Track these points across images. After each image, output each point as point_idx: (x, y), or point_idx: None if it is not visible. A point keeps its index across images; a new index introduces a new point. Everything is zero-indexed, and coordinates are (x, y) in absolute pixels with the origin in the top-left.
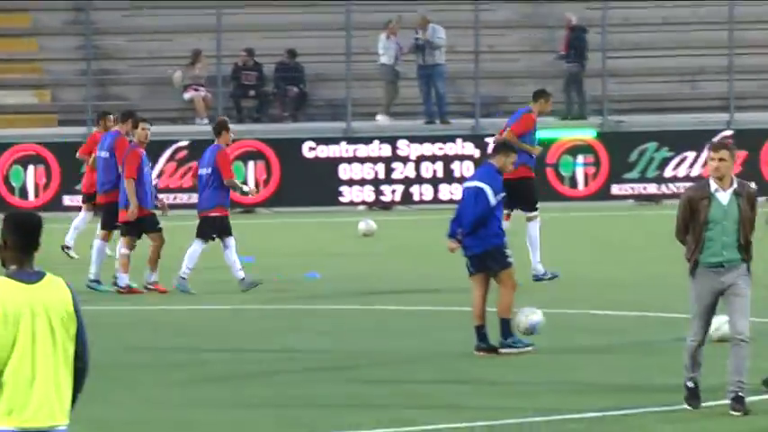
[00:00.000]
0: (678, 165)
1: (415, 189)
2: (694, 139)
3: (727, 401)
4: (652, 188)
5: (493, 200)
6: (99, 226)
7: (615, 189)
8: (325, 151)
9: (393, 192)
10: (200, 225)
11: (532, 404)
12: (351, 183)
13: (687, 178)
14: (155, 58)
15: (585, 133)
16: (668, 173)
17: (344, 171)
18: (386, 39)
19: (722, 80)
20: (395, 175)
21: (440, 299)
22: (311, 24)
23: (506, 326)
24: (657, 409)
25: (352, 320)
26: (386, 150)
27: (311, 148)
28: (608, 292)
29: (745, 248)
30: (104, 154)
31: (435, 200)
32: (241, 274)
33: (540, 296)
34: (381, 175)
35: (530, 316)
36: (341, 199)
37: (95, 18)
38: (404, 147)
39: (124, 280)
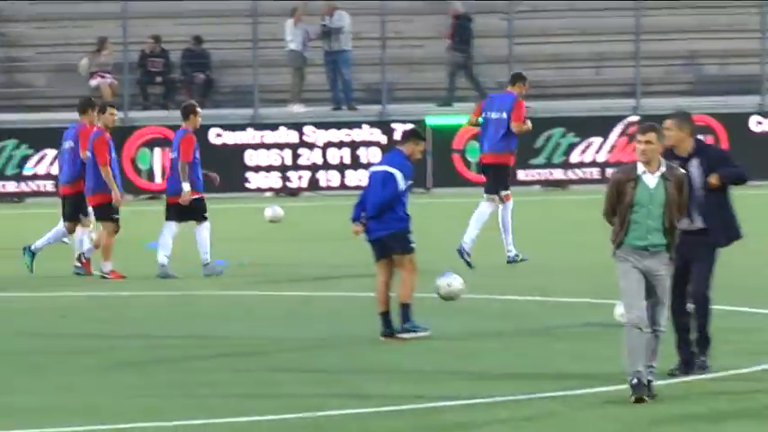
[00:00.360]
0: (584, 150)
1: (321, 175)
2: (600, 125)
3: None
4: (558, 174)
5: (402, 185)
6: (64, 218)
7: (522, 175)
8: (231, 138)
9: (300, 178)
10: (169, 208)
11: (439, 390)
12: (257, 169)
13: (593, 164)
14: (61, 45)
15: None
16: (575, 158)
17: (251, 157)
18: (293, 25)
19: (628, 66)
20: (301, 162)
21: (347, 285)
22: (218, 11)
23: (407, 311)
24: (564, 393)
25: (260, 307)
26: (293, 137)
27: (218, 135)
28: (514, 277)
29: (670, 233)
30: (69, 144)
31: (342, 186)
32: (207, 258)
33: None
34: (288, 162)
35: (452, 283)
36: (248, 185)
37: (1, 5)
38: (310, 133)
39: (108, 266)
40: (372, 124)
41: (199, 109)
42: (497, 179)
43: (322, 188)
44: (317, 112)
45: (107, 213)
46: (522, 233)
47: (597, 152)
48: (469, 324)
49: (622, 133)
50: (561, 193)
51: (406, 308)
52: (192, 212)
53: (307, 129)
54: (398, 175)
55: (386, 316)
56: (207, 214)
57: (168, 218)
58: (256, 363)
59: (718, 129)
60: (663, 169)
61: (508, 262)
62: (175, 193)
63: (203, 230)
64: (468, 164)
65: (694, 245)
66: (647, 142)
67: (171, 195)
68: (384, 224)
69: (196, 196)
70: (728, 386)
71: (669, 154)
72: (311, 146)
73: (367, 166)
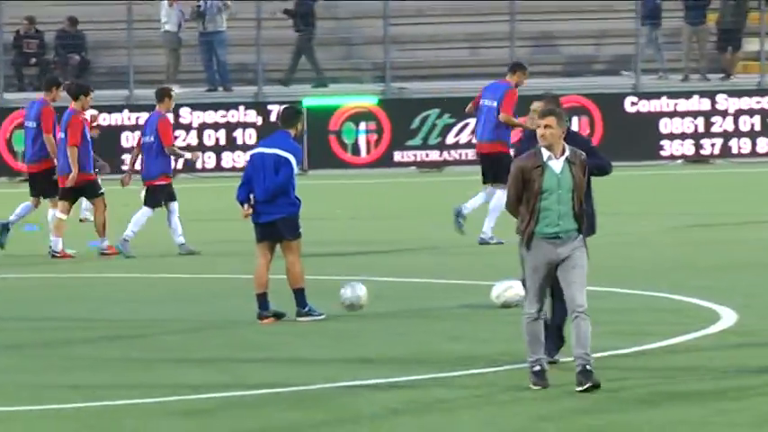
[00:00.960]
0: (460, 131)
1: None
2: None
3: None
4: (434, 155)
5: (296, 169)
6: (33, 194)
7: (398, 156)
8: (107, 119)
9: (176, 160)
10: (148, 193)
11: (321, 372)
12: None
13: (469, 145)
14: None
15: (367, 100)
16: (450, 139)
17: (127, 139)
18: (168, 6)
19: (504, 47)
20: (177, 143)
21: (226, 266)
22: None
23: (302, 295)
24: (444, 375)
25: (142, 289)
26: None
27: None
28: (391, 258)
29: (579, 217)
30: (31, 124)
31: (218, 167)
32: (182, 240)
33: (328, 262)
34: None
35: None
36: (123, 168)
37: None
38: (186, 115)
39: (58, 244)
40: (248, 106)
41: (173, 93)
42: (495, 169)
43: (198, 170)
44: (193, 93)
45: (94, 192)
46: (400, 215)
47: (473, 133)
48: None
49: None
50: (437, 174)
51: (300, 292)
52: (166, 196)
53: (183, 110)
54: (293, 159)
55: (264, 297)
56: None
57: (146, 203)
58: (136, 344)
59: (593, 109)
60: (567, 153)
61: (480, 243)
62: (150, 178)
63: (173, 217)
64: (344, 146)
65: None
66: (547, 126)
67: (147, 180)
68: (277, 208)
69: (167, 182)
70: (607, 364)
71: (534, 137)
72: (187, 127)
73: (243, 147)
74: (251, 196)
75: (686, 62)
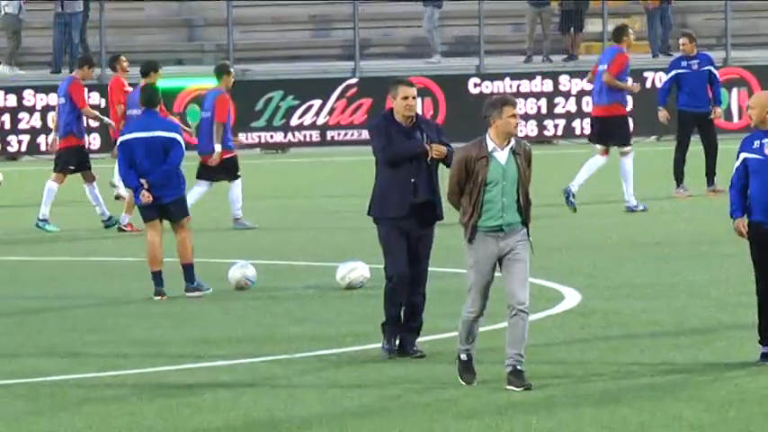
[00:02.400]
0: (304, 113)
1: (42, 139)
2: (320, 88)
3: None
4: (279, 137)
5: (184, 150)
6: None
7: (242, 137)
8: None
9: (20, 142)
10: (203, 167)
11: (162, 354)
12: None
13: (314, 126)
14: None
15: (210, 82)
16: (294, 121)
17: None
18: None
19: (347, 28)
20: (21, 126)
21: (67, 249)
22: None
23: (191, 271)
24: (286, 356)
25: None
26: (11, 101)
27: None
28: (235, 239)
29: (524, 210)
30: (61, 100)
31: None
32: (239, 213)
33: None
34: (7, 126)
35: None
36: None
37: None
38: (30, 97)
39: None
40: (92, 88)
41: (232, 69)
42: (611, 131)
43: (42, 152)
44: (36, 75)
45: None
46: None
47: (317, 115)
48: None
49: (341, 96)
50: (281, 156)
51: (190, 268)
52: (224, 172)
53: (26, 93)
54: (180, 138)
55: (159, 275)
56: (240, 172)
57: (199, 176)
58: None
59: (437, 91)
60: (512, 144)
61: (628, 210)
62: (207, 153)
63: (235, 188)
64: (188, 127)
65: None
66: (513, 116)
67: (203, 155)
68: (171, 190)
69: (228, 155)
70: (447, 347)
71: (393, 121)
72: (31, 110)
73: (90, 131)
74: (141, 180)
75: (530, 43)
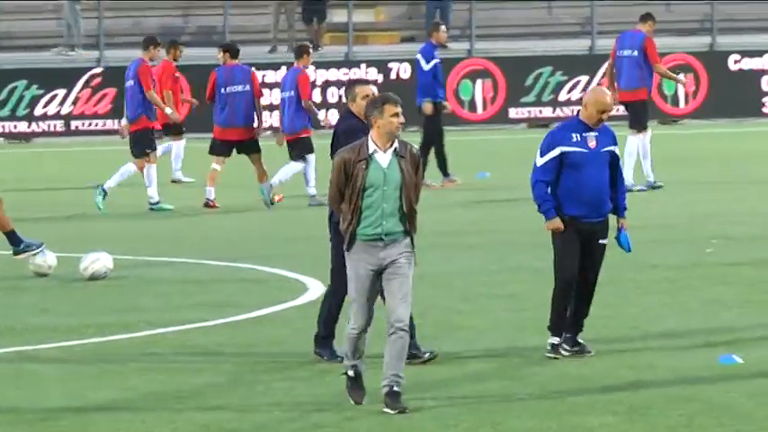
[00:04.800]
0: (48, 102)
1: None
2: (65, 77)
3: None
4: (22, 126)
5: None
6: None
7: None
8: None
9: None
10: (292, 147)
11: None
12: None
13: (58, 116)
14: None
15: None
16: (38, 111)
17: None
18: None
19: (91, 18)
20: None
21: None
22: None
23: (13, 236)
24: (29, 347)
25: None
26: None
27: None
28: None
29: (409, 218)
30: (130, 83)
31: None
32: (313, 191)
33: None
34: None
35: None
36: None
37: None
38: None
39: (211, 193)
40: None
41: (311, 50)
42: (639, 114)
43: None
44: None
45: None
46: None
47: (61, 104)
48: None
49: (85, 85)
50: (25, 145)
51: (12, 233)
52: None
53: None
54: None
55: (13, 234)
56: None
57: (293, 157)
58: None
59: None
60: (396, 146)
61: (651, 187)
62: (294, 131)
63: (310, 168)
64: None
65: None
66: (397, 115)
67: (291, 133)
68: None
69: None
70: (195, 339)
71: (362, 124)
72: None
73: None
74: None
75: (275, 33)
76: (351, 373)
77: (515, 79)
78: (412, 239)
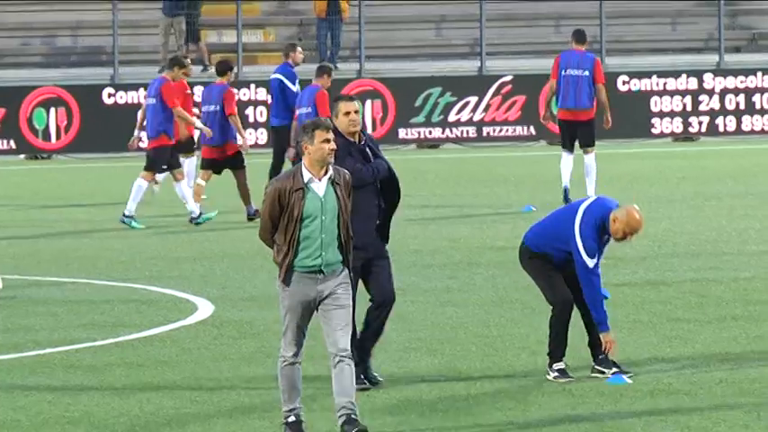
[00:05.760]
0: None
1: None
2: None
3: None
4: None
5: None
6: (147, 167)
7: None
8: None
9: None
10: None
11: None
12: None
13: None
14: None
15: None
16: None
17: None
18: None
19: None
20: None
21: None
22: None
23: None
24: None
25: None
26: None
27: None
28: None
29: (346, 247)
30: (151, 100)
31: None
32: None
33: None
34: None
35: None
36: None
37: None
38: None
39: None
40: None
41: (332, 70)
42: (588, 133)
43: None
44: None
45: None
46: None
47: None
48: None
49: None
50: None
51: None
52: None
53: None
54: None
55: None
56: None
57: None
58: None
59: (70, 101)
60: (330, 173)
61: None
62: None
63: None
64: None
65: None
66: (328, 140)
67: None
68: None
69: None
70: (84, 359)
71: (350, 143)
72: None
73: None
74: None
75: (164, 53)
76: (292, 418)
77: (405, 100)
78: (348, 269)
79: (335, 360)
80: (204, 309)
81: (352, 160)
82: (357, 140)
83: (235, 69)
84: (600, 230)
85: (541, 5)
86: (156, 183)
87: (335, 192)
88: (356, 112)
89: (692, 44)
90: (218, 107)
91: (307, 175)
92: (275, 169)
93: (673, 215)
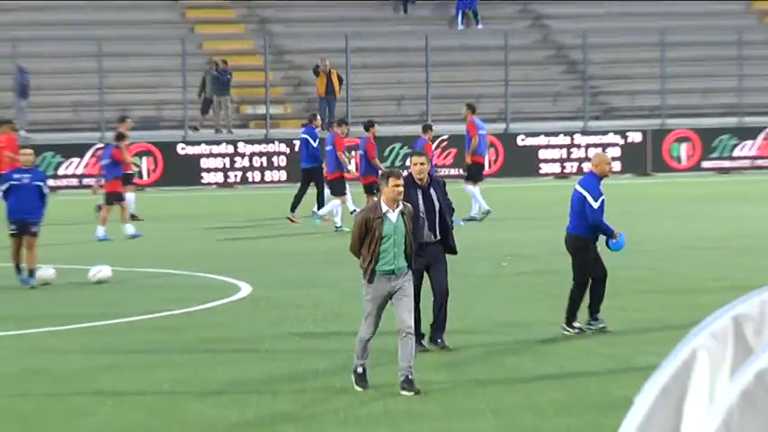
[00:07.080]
0: None
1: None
2: None
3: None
4: None
5: None
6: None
7: None
8: None
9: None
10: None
11: None
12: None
13: None
14: None
15: None
16: None
17: None
18: None
19: None
20: None
21: None
22: None
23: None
24: None
25: None
26: None
27: None
28: None
29: (409, 256)
30: (328, 147)
31: None
32: (339, 222)
33: None
34: None
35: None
36: None
37: None
38: None
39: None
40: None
41: (377, 125)
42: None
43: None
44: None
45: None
46: None
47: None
48: None
49: None
50: None
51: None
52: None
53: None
54: None
55: None
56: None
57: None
58: None
59: (155, 152)
60: (400, 206)
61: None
62: (363, 175)
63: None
64: None
65: (435, 251)
66: (398, 185)
67: (365, 176)
68: None
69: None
70: (165, 323)
71: (413, 182)
72: None
73: None
74: None
75: (217, 120)
76: (360, 369)
77: (378, 151)
78: (411, 267)
79: (402, 334)
80: (245, 289)
81: (416, 197)
82: (425, 183)
83: (345, 126)
84: (596, 180)
85: (476, 88)
86: (343, 203)
87: (403, 219)
88: (422, 164)
89: (566, 114)
90: (361, 152)
91: (384, 208)
92: (297, 197)
93: (553, 227)
